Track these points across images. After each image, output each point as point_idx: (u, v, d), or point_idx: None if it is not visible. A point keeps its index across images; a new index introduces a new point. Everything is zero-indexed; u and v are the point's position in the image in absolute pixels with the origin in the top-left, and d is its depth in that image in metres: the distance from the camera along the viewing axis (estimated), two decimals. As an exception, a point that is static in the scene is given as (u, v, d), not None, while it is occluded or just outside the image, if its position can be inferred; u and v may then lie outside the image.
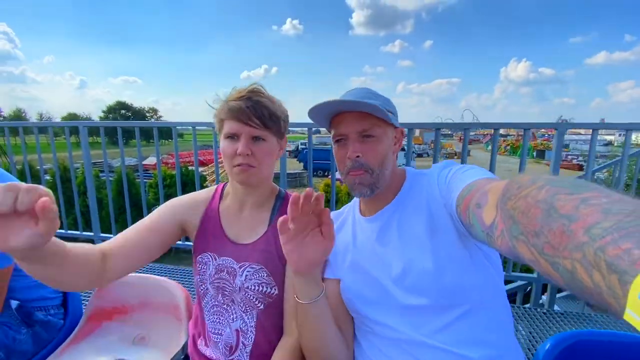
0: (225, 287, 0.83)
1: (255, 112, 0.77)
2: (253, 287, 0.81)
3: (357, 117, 0.72)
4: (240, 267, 0.83)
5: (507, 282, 2.36)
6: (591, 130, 1.84)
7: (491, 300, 0.69)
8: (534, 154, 44.66)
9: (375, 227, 0.77)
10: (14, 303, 0.96)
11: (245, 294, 0.81)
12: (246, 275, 0.82)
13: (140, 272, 1.11)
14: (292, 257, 0.67)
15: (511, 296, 2.37)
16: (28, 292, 1.00)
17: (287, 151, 1.20)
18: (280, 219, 0.64)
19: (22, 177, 3.03)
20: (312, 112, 0.73)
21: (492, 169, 1.93)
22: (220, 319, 0.84)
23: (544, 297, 2.28)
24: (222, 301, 0.84)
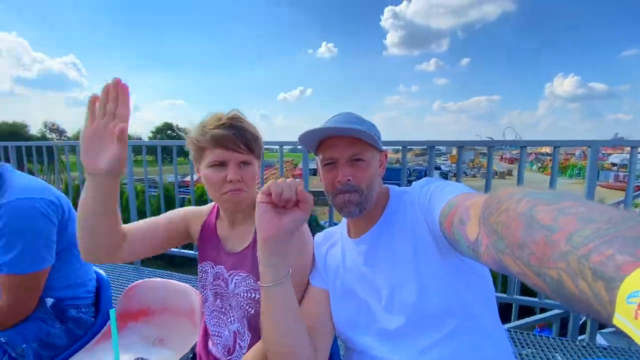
0: (222, 293, 0.89)
1: (242, 139, 0.80)
2: (242, 294, 0.85)
3: (348, 142, 0.73)
4: (229, 275, 0.87)
5: (541, 310, 2.20)
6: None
7: (481, 312, 0.68)
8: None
9: (362, 250, 0.78)
10: (49, 301, 1.08)
11: (236, 300, 0.85)
12: (235, 283, 0.86)
13: (164, 279, 1.20)
14: (262, 223, 0.66)
15: (547, 325, 2.20)
16: (64, 291, 1.12)
17: (314, 169, 1.21)
18: (259, 192, 0.66)
19: (77, 192, 3.36)
20: (303, 137, 0.75)
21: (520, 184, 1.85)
22: (219, 322, 0.90)
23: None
24: (220, 305, 0.89)
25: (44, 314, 1.06)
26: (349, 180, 0.73)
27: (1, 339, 0.96)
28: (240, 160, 0.81)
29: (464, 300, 0.67)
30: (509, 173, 31.87)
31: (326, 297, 0.81)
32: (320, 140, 0.77)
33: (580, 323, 2.00)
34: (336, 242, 0.88)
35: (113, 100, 0.68)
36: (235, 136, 0.79)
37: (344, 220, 0.87)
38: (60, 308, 1.09)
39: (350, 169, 0.73)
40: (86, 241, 0.76)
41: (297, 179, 0.66)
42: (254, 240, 0.86)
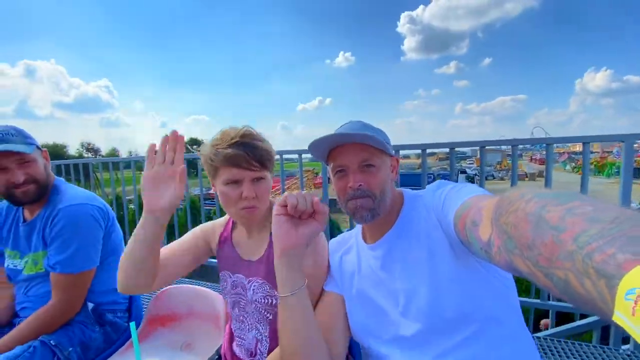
0: (240, 301, 0.92)
1: (254, 156, 0.80)
2: (260, 300, 0.87)
3: (357, 149, 0.73)
4: (248, 282, 0.90)
5: (581, 316, 2.07)
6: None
7: (502, 316, 0.66)
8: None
9: (378, 255, 0.78)
10: (90, 305, 1.14)
11: (255, 306, 0.88)
12: (253, 290, 0.89)
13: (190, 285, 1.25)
14: (279, 234, 0.70)
15: (585, 333, 2.06)
16: (103, 295, 1.18)
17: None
18: (276, 205, 0.70)
19: (111, 206, 3.54)
20: (312, 147, 0.75)
21: (548, 186, 1.78)
22: (242, 325, 0.93)
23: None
24: (239, 313, 0.93)
25: (85, 318, 1.13)
26: (360, 185, 0.73)
27: (51, 341, 1.03)
28: (253, 177, 0.82)
29: (483, 303, 0.65)
30: (540, 174, 30.27)
31: (341, 302, 0.82)
32: (329, 149, 0.77)
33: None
34: (351, 247, 0.88)
35: (171, 149, 0.78)
36: (247, 155, 0.80)
37: (359, 226, 0.87)
38: (99, 312, 1.16)
39: (361, 175, 0.73)
40: (130, 270, 0.79)
41: (313, 191, 0.68)
42: (269, 248, 0.88)
